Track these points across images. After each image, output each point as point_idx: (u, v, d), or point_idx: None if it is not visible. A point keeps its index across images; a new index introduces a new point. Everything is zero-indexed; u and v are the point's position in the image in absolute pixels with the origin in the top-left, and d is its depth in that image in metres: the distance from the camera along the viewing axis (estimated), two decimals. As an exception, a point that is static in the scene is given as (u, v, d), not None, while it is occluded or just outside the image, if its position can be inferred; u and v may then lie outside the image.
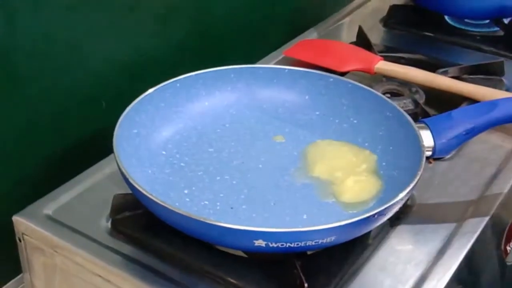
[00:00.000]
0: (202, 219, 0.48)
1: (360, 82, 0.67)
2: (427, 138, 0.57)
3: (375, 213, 0.48)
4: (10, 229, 0.58)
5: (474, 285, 0.55)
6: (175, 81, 0.63)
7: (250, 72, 0.67)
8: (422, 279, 0.51)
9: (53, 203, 0.58)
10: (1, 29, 0.56)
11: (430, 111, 0.70)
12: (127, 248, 0.54)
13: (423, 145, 0.56)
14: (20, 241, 0.58)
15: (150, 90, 0.62)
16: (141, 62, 0.73)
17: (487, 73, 0.78)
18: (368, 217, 0.48)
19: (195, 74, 0.64)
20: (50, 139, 0.65)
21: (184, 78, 0.64)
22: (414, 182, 0.52)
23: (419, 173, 0.53)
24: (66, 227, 0.56)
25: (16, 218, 0.57)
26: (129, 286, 0.52)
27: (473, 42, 0.86)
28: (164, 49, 0.75)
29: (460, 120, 0.58)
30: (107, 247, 0.54)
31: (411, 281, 0.51)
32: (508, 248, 0.61)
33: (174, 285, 0.51)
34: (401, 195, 0.50)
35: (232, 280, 0.51)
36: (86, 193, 0.60)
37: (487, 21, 0.89)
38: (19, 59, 0.59)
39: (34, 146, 0.64)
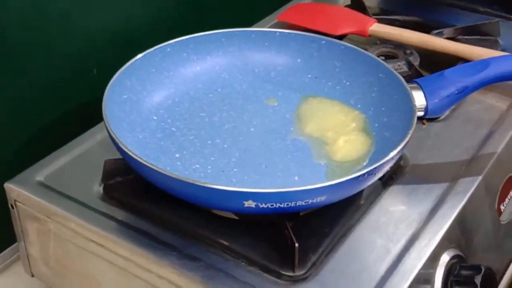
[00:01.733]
0: (191, 181, 0.48)
1: (355, 44, 0.66)
2: (419, 98, 0.57)
3: (365, 172, 0.48)
4: (3, 197, 0.58)
5: (467, 244, 0.55)
6: (165, 45, 0.63)
7: (242, 36, 0.66)
8: (414, 238, 0.51)
9: (45, 170, 0.58)
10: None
11: (425, 73, 0.70)
12: (119, 213, 0.54)
13: (415, 105, 0.55)
14: (12, 208, 0.58)
15: (140, 55, 0.61)
16: (133, 30, 0.72)
17: (482, 34, 0.77)
18: (358, 176, 0.48)
19: (186, 39, 0.64)
20: (42, 107, 0.65)
21: (174, 42, 0.63)
22: (405, 142, 0.51)
23: (410, 132, 0.52)
24: (59, 193, 0.56)
25: (8, 185, 0.57)
26: (123, 250, 0.52)
27: (469, 3, 0.85)
28: (156, 16, 0.74)
29: (452, 80, 0.57)
30: (100, 212, 0.54)
31: (403, 240, 0.51)
32: (502, 207, 0.61)
33: (167, 248, 0.51)
34: (392, 154, 0.50)
35: (224, 242, 0.51)
36: (78, 159, 0.60)
37: (483, -19, 0.88)
38: (9, 30, 0.59)
39: (26, 114, 0.64)
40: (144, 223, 0.53)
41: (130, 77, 0.60)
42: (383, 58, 0.72)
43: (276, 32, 0.66)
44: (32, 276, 0.61)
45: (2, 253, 0.65)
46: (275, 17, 0.82)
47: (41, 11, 0.61)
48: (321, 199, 0.48)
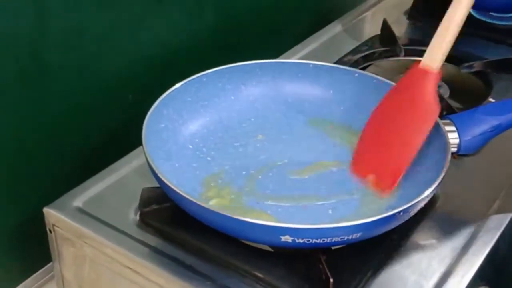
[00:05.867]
0: (228, 215, 0.49)
1: (383, 74, 0.66)
2: (452, 134, 0.58)
3: (401, 210, 0.49)
4: (40, 219, 0.59)
5: (497, 282, 0.56)
6: (201, 75, 0.64)
7: (276, 66, 0.67)
8: (447, 274, 0.52)
9: (82, 195, 0.60)
10: (33, 24, 0.58)
11: (455, 105, 0.70)
12: (155, 240, 0.55)
13: (449, 142, 0.56)
14: (50, 232, 0.59)
15: (177, 85, 0.62)
16: (168, 56, 0.73)
17: (513, 68, 0.77)
18: (394, 214, 0.49)
19: (222, 69, 0.65)
20: (78, 132, 0.66)
21: (210, 72, 0.65)
22: (440, 179, 0.52)
23: (445, 170, 0.53)
24: (96, 219, 0.57)
25: (47, 210, 0.58)
26: (158, 278, 0.53)
27: (499, 36, 0.85)
28: (191, 43, 0.76)
29: (485, 117, 0.58)
30: (136, 239, 0.55)
31: (436, 276, 0.52)
32: (532, 244, 0.61)
33: (201, 278, 0.52)
34: (427, 192, 0.51)
35: (258, 274, 0.52)
36: (115, 186, 0.61)
37: (513, 14, 0.89)
38: (50, 53, 0.60)
39: (63, 139, 0.65)
40: (179, 251, 0.54)
41: (167, 106, 0.61)
42: (413, 89, 0.73)
43: (309, 64, 0.67)
44: (66, 298, 0.63)
45: (36, 274, 0.66)
46: (305, 45, 0.83)
47: (80, 36, 0.62)
48: (356, 235, 0.49)
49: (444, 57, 0.55)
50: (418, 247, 0.55)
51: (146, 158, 0.54)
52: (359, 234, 0.49)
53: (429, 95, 0.54)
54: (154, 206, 0.57)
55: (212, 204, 0.55)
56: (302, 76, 0.67)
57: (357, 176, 0.56)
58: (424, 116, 0.55)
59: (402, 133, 0.56)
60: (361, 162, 0.56)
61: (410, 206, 0.49)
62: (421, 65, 0.55)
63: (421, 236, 0.56)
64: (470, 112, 0.59)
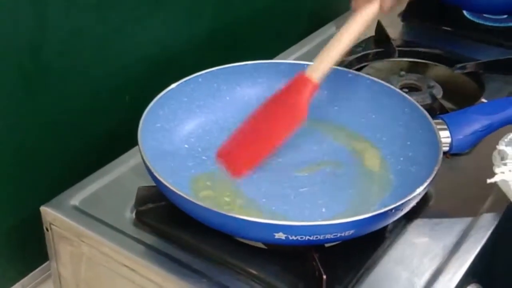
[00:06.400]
0: (223, 212, 0.50)
1: (377, 75, 0.67)
2: (444, 134, 0.59)
3: (393, 208, 0.50)
4: (38, 218, 0.60)
5: (488, 279, 0.57)
6: (197, 76, 0.65)
7: (271, 67, 0.68)
8: (438, 272, 0.53)
9: (79, 194, 0.60)
10: (32, 26, 0.58)
11: (448, 105, 0.71)
12: (151, 239, 0.56)
13: (441, 141, 0.57)
14: (47, 230, 0.60)
15: (173, 85, 0.63)
16: (165, 58, 0.74)
17: (506, 69, 0.78)
18: (386, 211, 0.50)
19: (217, 69, 0.66)
20: (76, 132, 0.67)
21: (206, 73, 0.65)
22: (431, 177, 0.53)
23: (436, 168, 0.54)
24: (92, 218, 0.58)
25: (44, 209, 0.59)
26: (154, 276, 0.54)
27: (492, 37, 0.86)
28: (189, 45, 0.76)
29: (477, 117, 0.59)
30: (132, 237, 0.56)
31: (427, 274, 0.52)
32: (523, 242, 0.62)
33: (196, 275, 0.52)
34: (419, 190, 0.51)
35: (252, 271, 0.52)
36: (111, 185, 0.62)
37: (505, 16, 0.89)
38: (49, 55, 0.61)
39: (61, 139, 0.66)
40: (175, 249, 0.55)
41: (163, 106, 0.62)
42: (406, 90, 0.74)
43: (304, 64, 0.68)
44: (63, 296, 0.63)
45: (33, 272, 0.67)
46: (300, 46, 0.84)
47: (78, 39, 0.63)
48: (349, 233, 0.49)
49: (324, 71, 0.58)
50: (410, 245, 0.55)
51: (142, 157, 0.55)
52: (351, 231, 0.49)
53: (302, 100, 0.58)
54: (150, 205, 0.58)
55: (203, 196, 0.56)
56: (297, 76, 0.68)
57: (217, 158, 0.59)
58: (291, 117, 0.59)
59: (268, 127, 0.60)
60: (225, 147, 0.60)
61: (402, 204, 0.50)
62: (305, 73, 0.59)
63: (413, 234, 0.56)
64: (461, 111, 0.60)
